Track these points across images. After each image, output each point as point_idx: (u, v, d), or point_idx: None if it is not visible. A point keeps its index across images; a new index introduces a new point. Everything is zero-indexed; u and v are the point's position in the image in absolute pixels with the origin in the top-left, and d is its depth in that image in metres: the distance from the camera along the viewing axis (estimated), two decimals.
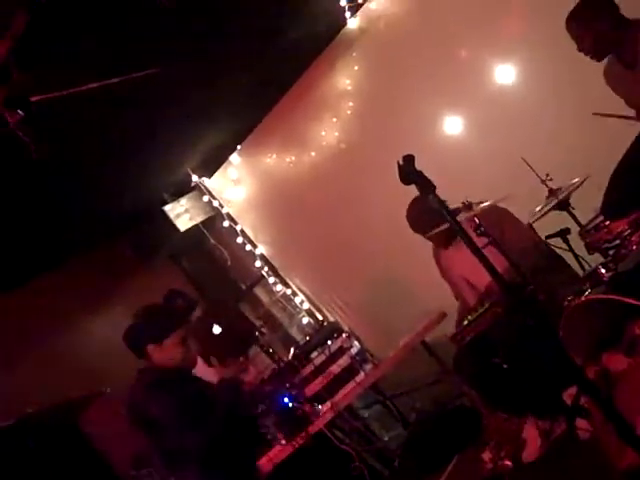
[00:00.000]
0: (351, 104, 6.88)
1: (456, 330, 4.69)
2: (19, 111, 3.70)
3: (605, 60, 4.45)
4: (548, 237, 4.84)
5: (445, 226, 4.35)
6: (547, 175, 4.39)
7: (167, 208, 7.53)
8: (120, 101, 4.92)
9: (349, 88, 6.87)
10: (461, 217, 4.43)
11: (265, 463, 4.77)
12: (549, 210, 4.50)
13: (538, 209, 4.55)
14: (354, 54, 6.72)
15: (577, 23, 4.32)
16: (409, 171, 2.59)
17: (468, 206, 4.64)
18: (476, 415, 4.95)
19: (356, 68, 6.77)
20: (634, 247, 3.37)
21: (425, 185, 2.59)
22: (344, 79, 6.87)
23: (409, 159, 2.60)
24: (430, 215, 4.48)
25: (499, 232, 4.67)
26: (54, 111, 4.09)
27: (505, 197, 4.68)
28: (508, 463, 4.21)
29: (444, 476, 4.90)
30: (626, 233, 3.49)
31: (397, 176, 2.62)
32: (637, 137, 4.33)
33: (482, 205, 4.51)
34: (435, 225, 4.51)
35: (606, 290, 3.26)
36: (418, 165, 2.64)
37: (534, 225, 4.99)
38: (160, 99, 5.40)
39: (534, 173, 4.37)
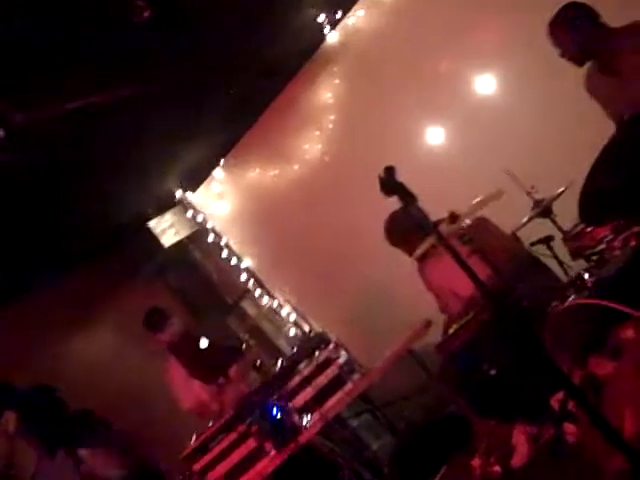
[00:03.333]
0: (333, 117, 6.92)
1: (442, 339, 4.71)
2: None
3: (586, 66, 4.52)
4: (532, 244, 4.89)
5: (426, 245, 4.39)
6: (532, 187, 4.44)
7: (151, 224, 7.51)
8: (103, 119, 4.94)
9: (331, 101, 6.91)
10: (444, 229, 4.45)
11: (254, 475, 4.76)
12: (531, 219, 4.54)
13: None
14: (335, 68, 6.77)
15: (559, 29, 4.39)
16: (390, 182, 2.61)
17: (455, 217, 4.67)
18: (465, 422, 4.96)
19: (337, 82, 6.82)
20: (616, 252, 3.41)
21: (406, 196, 2.61)
22: (326, 93, 6.91)
23: (390, 170, 2.62)
24: (407, 230, 4.56)
25: (481, 241, 4.70)
26: (37, 131, 4.10)
27: (494, 195, 4.67)
28: (497, 469, 4.23)
29: None
30: (608, 239, 3.53)
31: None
32: (609, 140, 4.36)
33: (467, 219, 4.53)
34: (412, 240, 4.55)
35: (590, 295, 3.28)
36: (401, 176, 2.65)
37: (518, 233, 5.03)
38: (143, 115, 5.41)
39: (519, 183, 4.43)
